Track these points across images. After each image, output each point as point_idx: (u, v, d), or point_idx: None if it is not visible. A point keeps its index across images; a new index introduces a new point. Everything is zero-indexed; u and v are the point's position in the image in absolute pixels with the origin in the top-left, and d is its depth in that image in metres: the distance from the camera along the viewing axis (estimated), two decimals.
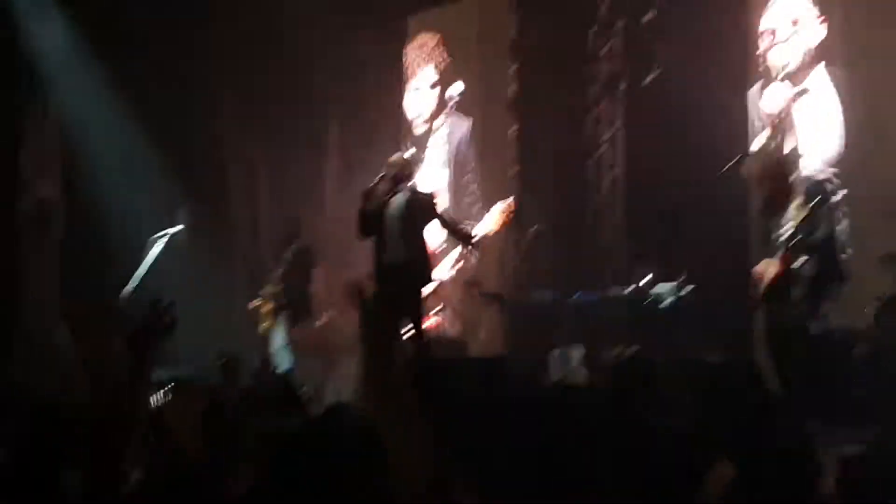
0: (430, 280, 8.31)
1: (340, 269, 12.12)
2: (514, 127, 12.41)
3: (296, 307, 10.55)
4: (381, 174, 8.45)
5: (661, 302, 9.72)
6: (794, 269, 7.21)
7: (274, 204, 13.68)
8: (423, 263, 8.23)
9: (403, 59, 13.69)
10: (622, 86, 11.63)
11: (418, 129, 13.37)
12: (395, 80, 13.72)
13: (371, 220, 8.35)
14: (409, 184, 8.51)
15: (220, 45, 13.41)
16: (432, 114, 13.23)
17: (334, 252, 12.94)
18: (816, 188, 7.52)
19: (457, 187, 12.81)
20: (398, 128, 13.65)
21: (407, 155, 8.89)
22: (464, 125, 12.86)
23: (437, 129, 13.08)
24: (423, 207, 8.28)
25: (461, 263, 11.03)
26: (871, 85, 9.36)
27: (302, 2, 12.78)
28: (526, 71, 12.23)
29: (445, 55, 13.14)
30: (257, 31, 13.28)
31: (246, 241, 12.77)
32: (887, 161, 8.99)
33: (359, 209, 8.42)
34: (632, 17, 11.28)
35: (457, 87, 12.58)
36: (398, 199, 8.34)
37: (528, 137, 12.32)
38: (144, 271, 10.09)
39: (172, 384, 7.21)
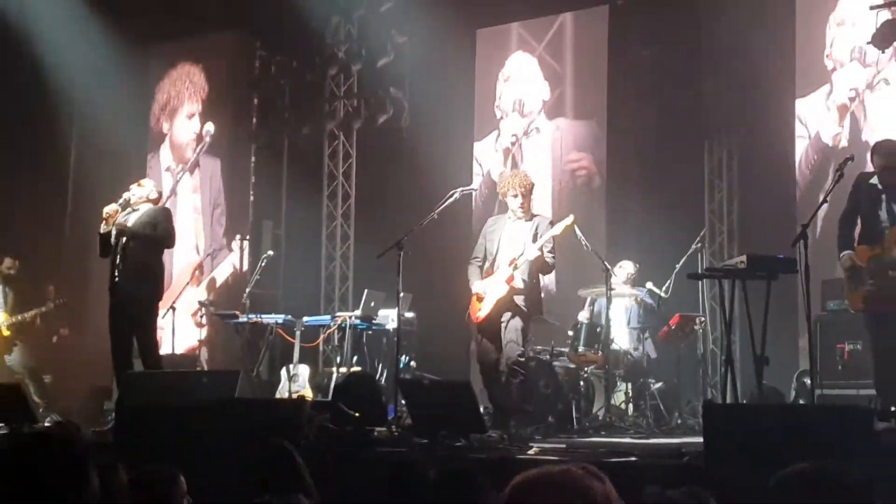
0: (153, 292, 7.83)
1: (74, 287, 11.36)
2: (253, 158, 12.09)
3: None
4: (123, 198, 7.93)
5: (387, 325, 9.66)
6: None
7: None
8: (142, 275, 7.75)
9: (161, 85, 13.06)
10: (357, 124, 11.58)
11: (176, 158, 12.79)
12: (144, 106, 13.04)
13: (108, 241, 7.82)
14: (150, 204, 8.00)
15: None
16: (189, 144, 12.68)
17: (69, 271, 12.14)
18: None
19: (211, 219, 12.33)
20: (143, 153, 12.96)
21: (156, 186, 8.35)
22: (215, 164, 12.43)
23: (192, 165, 12.53)
24: (153, 225, 7.80)
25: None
26: None
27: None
28: (266, 105, 11.93)
29: (207, 88, 12.66)
30: None
31: None
32: None
33: (99, 232, 7.87)
34: (368, 62, 11.26)
35: (209, 128, 12.20)
36: (132, 218, 7.84)
37: (266, 167, 12.02)
38: None
39: None
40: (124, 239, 7.75)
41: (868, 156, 6.77)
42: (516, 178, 7.42)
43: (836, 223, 6.75)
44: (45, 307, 9.99)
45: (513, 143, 10.70)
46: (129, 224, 7.78)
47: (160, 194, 8.30)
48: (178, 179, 12.32)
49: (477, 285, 7.34)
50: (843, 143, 9.06)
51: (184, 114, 12.84)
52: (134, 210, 7.92)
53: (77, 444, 2.48)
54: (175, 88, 12.93)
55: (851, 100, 9.12)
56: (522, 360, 7.20)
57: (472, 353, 10.19)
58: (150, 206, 7.99)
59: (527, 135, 10.89)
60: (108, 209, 7.83)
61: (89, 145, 12.77)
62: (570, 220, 7.34)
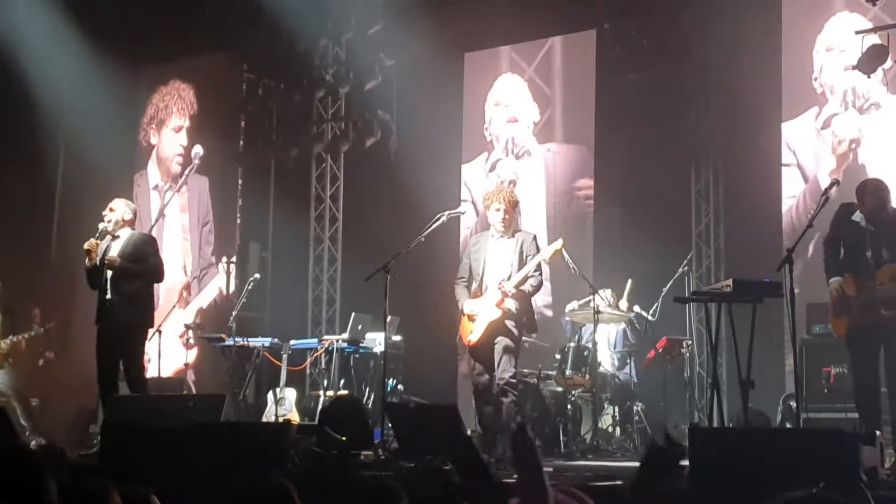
0: (143, 320, 7.79)
1: (60, 311, 11.31)
2: (240, 181, 12.10)
3: None
4: (99, 229, 7.86)
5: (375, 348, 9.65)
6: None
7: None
8: (132, 304, 7.70)
9: (152, 103, 13.05)
10: (345, 147, 11.60)
11: (163, 173, 12.78)
12: (133, 129, 13.03)
13: (95, 273, 7.78)
14: (129, 227, 7.94)
15: None
16: (175, 159, 12.67)
17: (54, 294, 12.10)
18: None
19: (199, 237, 12.31)
20: (130, 175, 12.94)
21: (128, 205, 8.25)
22: (203, 182, 12.38)
23: (180, 184, 12.48)
24: (140, 257, 7.75)
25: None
26: None
27: None
28: (253, 128, 11.95)
29: (195, 106, 12.67)
30: None
31: None
32: None
33: (85, 267, 7.84)
34: (355, 85, 11.29)
35: (198, 150, 12.22)
36: (115, 247, 7.79)
37: (253, 190, 12.02)
38: None
39: None
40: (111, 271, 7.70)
41: (858, 195, 6.55)
42: (502, 193, 7.43)
43: (822, 246, 6.77)
44: (33, 331, 9.95)
45: (511, 182, 10.69)
46: (114, 253, 7.68)
47: (135, 213, 8.14)
48: (167, 202, 12.24)
49: (468, 305, 7.35)
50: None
51: (171, 126, 12.84)
52: (115, 238, 7.82)
53: (31, 457, 2.44)
54: (164, 102, 12.95)
55: (852, 150, 9.10)
56: (514, 381, 7.24)
57: (460, 375, 10.26)
58: (129, 230, 7.87)
59: (519, 159, 10.91)
60: (88, 244, 7.76)
61: (76, 168, 12.76)
62: (559, 244, 7.33)
